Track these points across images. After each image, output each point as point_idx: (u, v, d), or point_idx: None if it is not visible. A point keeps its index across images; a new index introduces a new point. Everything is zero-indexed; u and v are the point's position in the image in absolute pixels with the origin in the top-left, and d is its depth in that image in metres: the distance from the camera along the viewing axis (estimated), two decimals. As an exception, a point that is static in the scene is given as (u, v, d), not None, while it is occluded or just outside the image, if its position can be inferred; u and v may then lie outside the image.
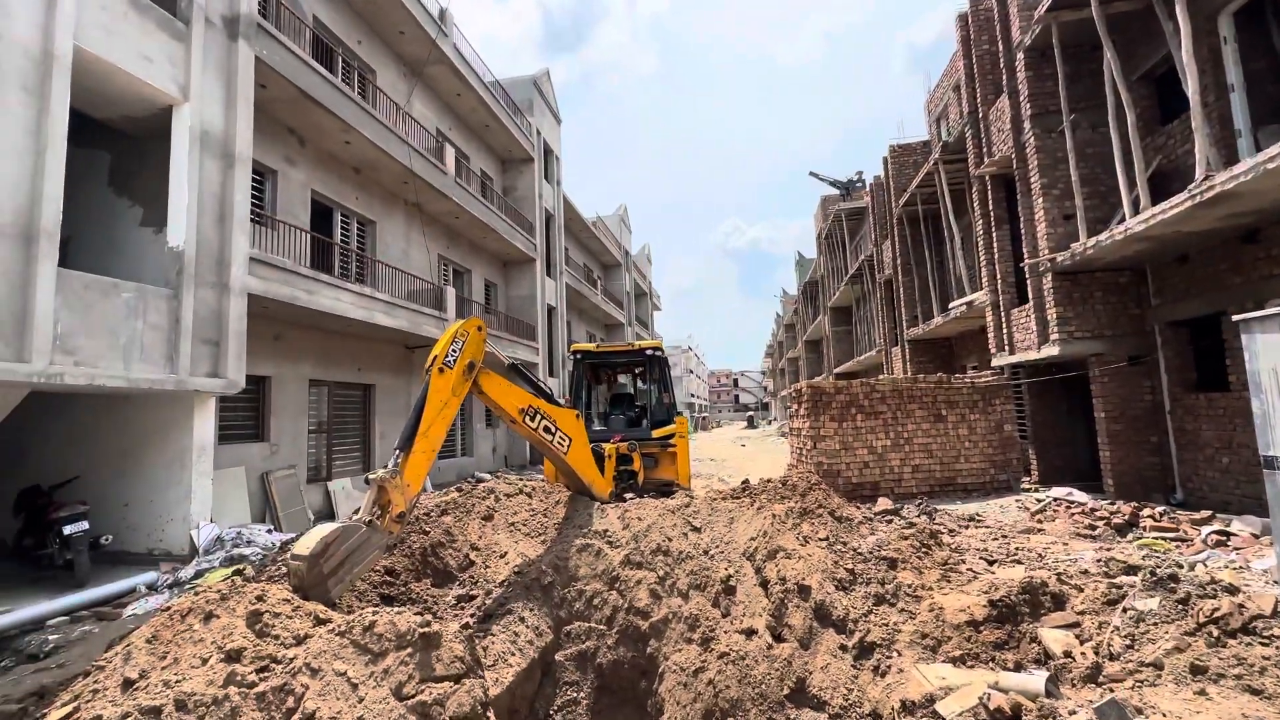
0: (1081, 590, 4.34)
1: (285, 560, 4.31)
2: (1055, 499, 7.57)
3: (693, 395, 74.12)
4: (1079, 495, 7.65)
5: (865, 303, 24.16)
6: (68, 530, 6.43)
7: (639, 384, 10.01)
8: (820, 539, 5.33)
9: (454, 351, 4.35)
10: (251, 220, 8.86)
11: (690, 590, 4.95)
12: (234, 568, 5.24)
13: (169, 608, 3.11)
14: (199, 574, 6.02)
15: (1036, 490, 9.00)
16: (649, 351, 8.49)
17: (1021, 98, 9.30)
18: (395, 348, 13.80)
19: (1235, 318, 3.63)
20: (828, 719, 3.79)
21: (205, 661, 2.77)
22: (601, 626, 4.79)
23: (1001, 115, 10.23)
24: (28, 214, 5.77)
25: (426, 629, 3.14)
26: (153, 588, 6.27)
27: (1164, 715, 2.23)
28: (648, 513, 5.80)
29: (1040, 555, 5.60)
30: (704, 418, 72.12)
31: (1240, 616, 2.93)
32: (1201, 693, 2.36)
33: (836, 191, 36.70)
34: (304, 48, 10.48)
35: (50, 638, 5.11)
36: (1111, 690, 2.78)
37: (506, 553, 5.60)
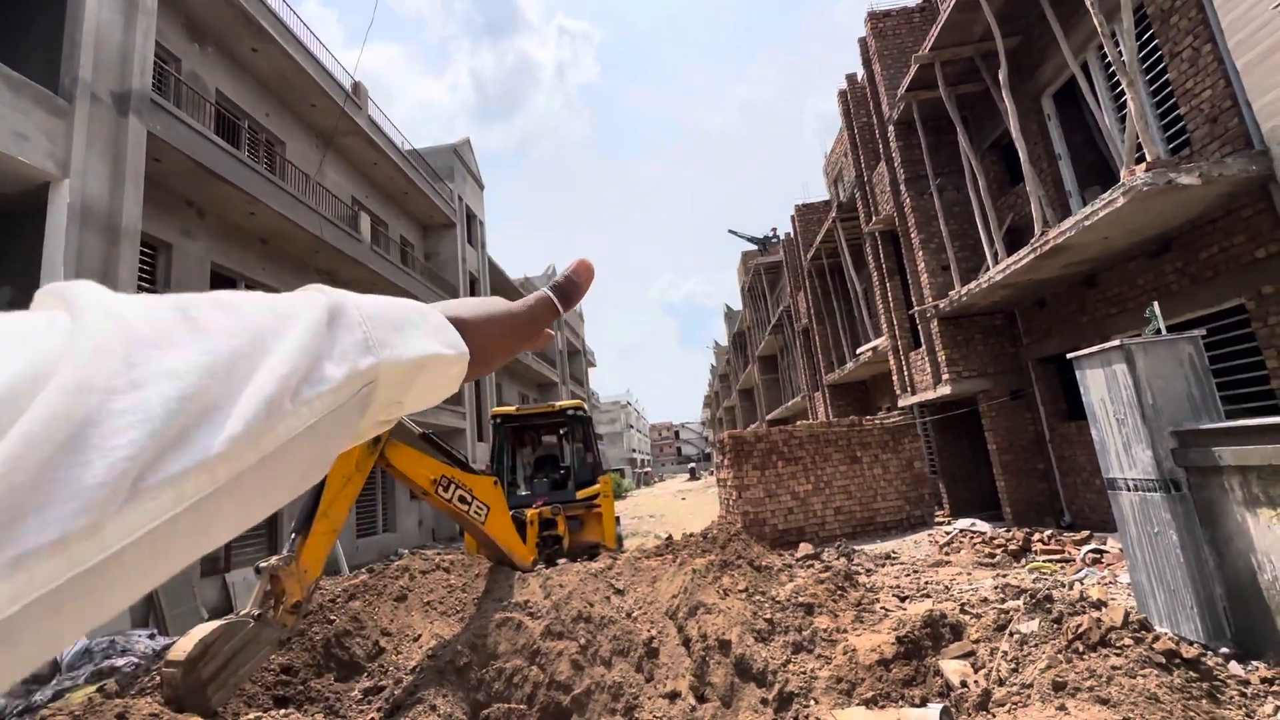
0: (979, 618, 4.60)
1: (159, 669, 3.89)
2: (961, 530, 8.04)
3: (634, 450, 73.59)
4: (981, 525, 8.16)
5: (788, 351, 25.31)
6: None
7: (564, 445, 9.94)
8: (740, 591, 5.39)
9: (356, 425, 4.21)
10: (141, 296, 8.35)
11: (613, 657, 4.84)
12: (98, 684, 4.63)
13: (3, 742, 2.74)
14: (57, 695, 5.27)
15: (949, 523, 9.51)
16: (569, 411, 8.49)
17: (896, 164, 10.42)
18: (308, 421, 13.08)
19: (1069, 356, 4.13)
20: (751, 778, 3.75)
21: (43, 802, 2.45)
22: (522, 706, 4.57)
23: (882, 179, 11.37)
24: None
25: (314, 732, 2.92)
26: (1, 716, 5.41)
27: (1029, 734, 2.38)
28: (569, 579, 5.69)
29: (947, 587, 5.88)
30: (647, 472, 71.62)
31: (1098, 631, 3.21)
32: (1061, 708, 2.55)
33: (755, 247, 38.90)
34: (206, 122, 10.28)
35: None
36: (994, 716, 2.95)
37: (420, 635, 5.30)
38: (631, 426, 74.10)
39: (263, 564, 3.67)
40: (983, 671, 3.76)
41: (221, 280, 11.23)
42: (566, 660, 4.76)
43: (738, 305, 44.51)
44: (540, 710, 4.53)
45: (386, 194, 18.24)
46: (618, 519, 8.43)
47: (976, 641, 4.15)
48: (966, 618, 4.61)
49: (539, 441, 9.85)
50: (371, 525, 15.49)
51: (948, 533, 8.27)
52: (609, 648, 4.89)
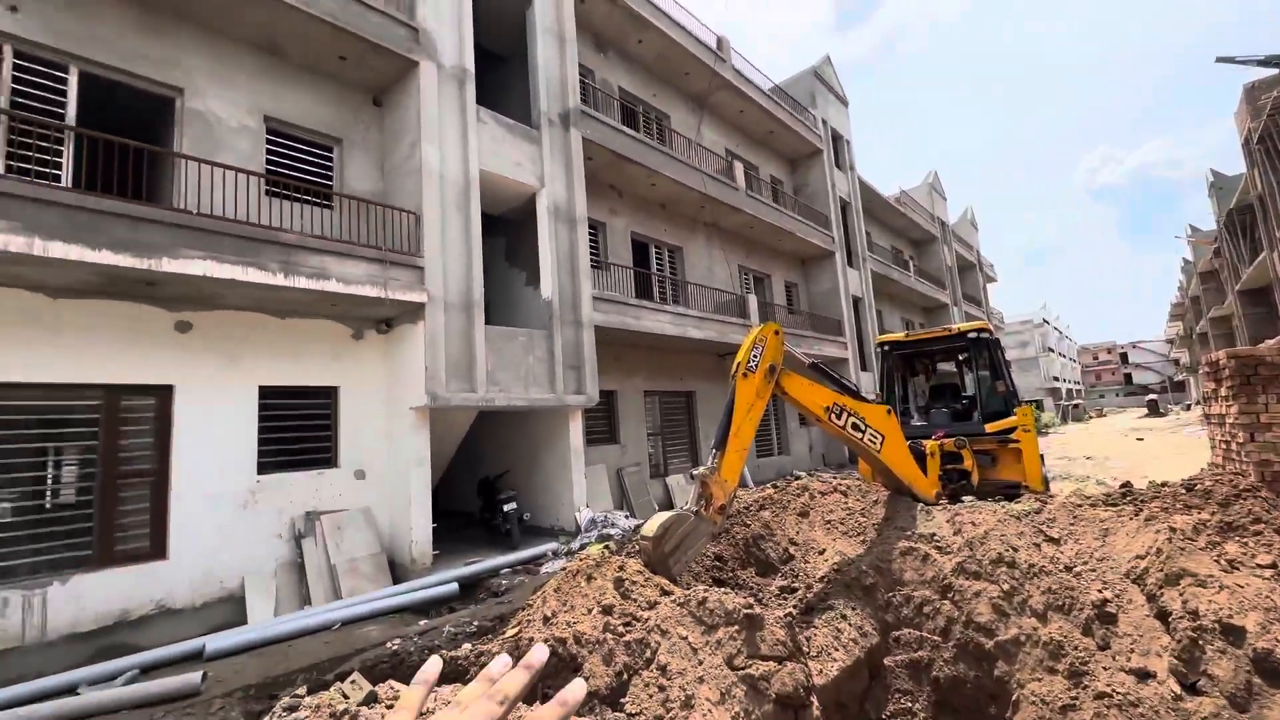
0: None
1: (636, 540, 5.27)
2: None
3: (1056, 378, 59.55)
4: None
5: (1351, 222, 16.09)
6: (505, 508, 9.11)
7: (965, 372, 8.80)
8: (1263, 566, 3.93)
9: (755, 357, 4.63)
10: (591, 266, 11.02)
11: (1048, 611, 4.23)
12: (603, 544, 6.66)
13: (565, 569, 4.20)
14: (582, 546, 7.83)
15: None
16: (972, 335, 7.43)
17: None
18: (708, 357, 15.16)
19: None
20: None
21: (589, 611, 3.67)
22: (935, 638, 4.47)
23: None
24: (466, 293, 8.45)
25: (750, 610, 3.50)
26: (555, 554, 8.37)
27: None
28: (984, 518, 5.15)
29: None
30: (1076, 404, 57.42)
31: None
32: None
33: (1267, 72, 25.44)
34: (614, 116, 12.56)
35: (503, 582, 7.30)
36: None
37: (825, 550, 5.66)
38: (1050, 349, 59.80)
39: (695, 471, 4.45)
40: None
41: (638, 245, 13.83)
42: (986, 602, 4.39)
43: (1229, 169, 30.20)
44: (957, 646, 4.33)
45: (754, 139, 18.97)
46: (1040, 457, 7.09)
47: None
48: None
49: (933, 369, 8.98)
50: (769, 448, 17.14)
51: None
52: (1041, 600, 4.28)
